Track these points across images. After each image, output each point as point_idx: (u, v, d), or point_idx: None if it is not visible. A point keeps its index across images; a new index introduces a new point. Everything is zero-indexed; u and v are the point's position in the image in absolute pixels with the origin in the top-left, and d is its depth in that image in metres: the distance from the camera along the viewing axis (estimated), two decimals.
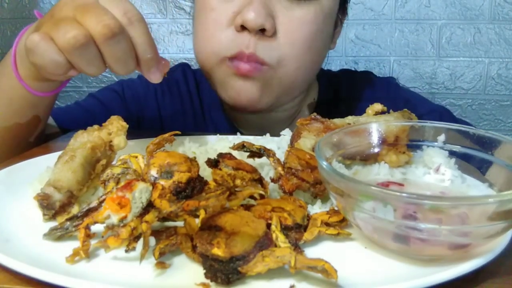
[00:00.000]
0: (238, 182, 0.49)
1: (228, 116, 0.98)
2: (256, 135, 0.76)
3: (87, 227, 0.44)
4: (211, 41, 0.77)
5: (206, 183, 0.48)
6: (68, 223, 0.46)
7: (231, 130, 0.96)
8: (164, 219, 0.45)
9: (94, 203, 0.46)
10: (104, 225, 0.42)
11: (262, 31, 0.73)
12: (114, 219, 0.41)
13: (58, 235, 0.46)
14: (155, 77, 0.61)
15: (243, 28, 0.73)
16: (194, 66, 1.06)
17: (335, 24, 0.87)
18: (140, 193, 0.43)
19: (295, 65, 0.78)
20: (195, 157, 0.50)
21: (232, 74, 0.76)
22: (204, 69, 0.83)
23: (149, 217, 0.42)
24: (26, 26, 0.70)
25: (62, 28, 0.55)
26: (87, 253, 0.43)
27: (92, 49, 0.56)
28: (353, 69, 1.18)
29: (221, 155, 0.52)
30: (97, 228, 0.44)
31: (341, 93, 1.01)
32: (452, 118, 0.99)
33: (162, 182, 0.46)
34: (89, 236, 0.43)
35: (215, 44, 0.76)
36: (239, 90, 0.78)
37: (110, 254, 0.43)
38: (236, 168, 0.50)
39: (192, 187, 0.46)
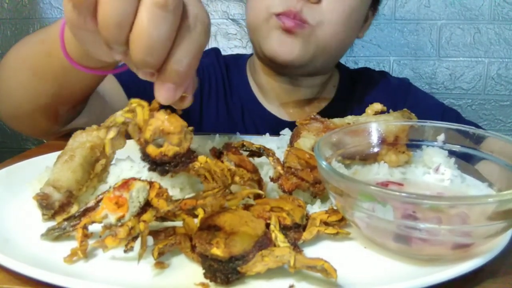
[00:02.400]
0: (236, 179, 0.49)
1: (255, 92, 1.07)
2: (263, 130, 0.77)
3: (85, 227, 0.44)
4: (264, 1, 0.90)
5: (194, 158, 0.46)
6: (66, 223, 0.46)
7: (256, 104, 1.06)
8: (163, 218, 0.45)
9: (91, 203, 0.46)
10: (102, 224, 0.42)
11: None
12: (112, 218, 0.41)
13: (55, 235, 0.46)
14: (164, 95, 0.46)
15: None
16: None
17: (366, 15, 1.00)
18: (137, 192, 0.43)
19: (332, 31, 0.90)
20: (192, 129, 0.47)
21: (277, 28, 0.88)
22: (252, 25, 0.94)
23: (146, 216, 0.42)
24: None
25: None
26: (85, 253, 0.43)
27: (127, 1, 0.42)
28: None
29: (227, 146, 0.51)
30: (96, 227, 0.44)
31: (357, 89, 1.09)
32: (457, 118, 1.04)
33: (150, 149, 0.45)
34: (86, 236, 0.43)
35: (267, 2, 0.89)
36: (280, 43, 0.89)
37: (109, 254, 0.43)
38: (238, 165, 0.49)
39: (176, 162, 0.45)
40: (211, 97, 1.08)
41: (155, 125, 0.46)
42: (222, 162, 0.50)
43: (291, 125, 0.85)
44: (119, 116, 0.48)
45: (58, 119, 0.81)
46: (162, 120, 0.46)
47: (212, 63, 1.11)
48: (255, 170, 0.51)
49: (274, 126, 0.93)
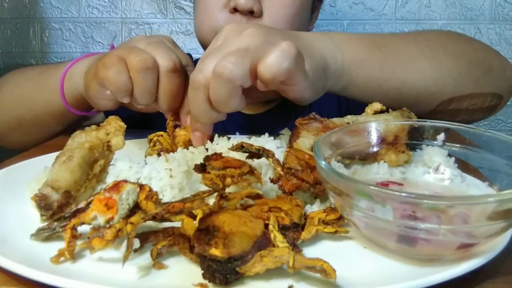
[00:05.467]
0: (228, 180, 0.49)
1: None
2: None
3: (74, 228, 0.43)
4: (210, 20, 0.92)
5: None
6: (56, 223, 0.46)
7: None
8: (162, 219, 0.45)
9: (82, 204, 0.46)
10: (91, 226, 0.42)
11: (251, 13, 0.88)
12: (101, 220, 0.42)
13: (45, 235, 0.46)
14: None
15: (235, 10, 0.88)
16: None
17: (312, 9, 1.03)
18: (127, 195, 0.43)
19: None
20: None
21: None
22: (203, 44, 0.97)
23: (134, 218, 0.42)
24: (82, 55, 0.85)
25: (135, 53, 0.65)
26: (72, 254, 0.43)
27: (154, 76, 0.64)
28: None
29: (206, 158, 0.51)
30: (87, 229, 0.44)
31: None
32: None
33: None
34: (75, 237, 0.43)
35: (212, 22, 0.92)
36: None
37: (108, 255, 0.43)
38: (224, 167, 0.49)
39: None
40: None
41: (182, 140, 0.63)
42: (209, 173, 0.49)
43: (253, 118, 1.02)
44: (152, 151, 0.64)
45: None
46: (184, 133, 0.64)
47: None
48: (242, 164, 0.51)
49: (240, 121, 1.00)
